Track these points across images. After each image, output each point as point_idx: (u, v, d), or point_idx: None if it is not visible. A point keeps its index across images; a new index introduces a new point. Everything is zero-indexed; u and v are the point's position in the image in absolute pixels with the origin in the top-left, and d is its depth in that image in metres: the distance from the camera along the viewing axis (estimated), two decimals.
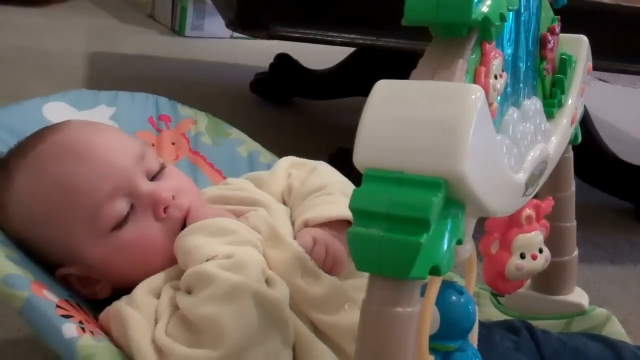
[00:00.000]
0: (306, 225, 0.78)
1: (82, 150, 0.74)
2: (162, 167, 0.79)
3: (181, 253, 0.72)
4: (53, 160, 0.74)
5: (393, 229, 0.43)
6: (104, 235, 0.73)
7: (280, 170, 0.89)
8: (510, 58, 0.56)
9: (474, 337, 0.58)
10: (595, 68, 0.79)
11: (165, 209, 0.75)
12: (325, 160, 0.91)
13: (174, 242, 0.73)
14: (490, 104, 0.48)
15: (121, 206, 0.73)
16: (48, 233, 0.74)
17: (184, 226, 0.75)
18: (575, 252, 0.88)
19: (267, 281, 0.69)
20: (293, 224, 0.80)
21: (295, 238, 0.77)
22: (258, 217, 0.78)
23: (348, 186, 0.84)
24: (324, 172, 0.87)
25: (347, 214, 0.76)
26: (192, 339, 0.65)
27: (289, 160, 0.92)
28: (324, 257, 0.74)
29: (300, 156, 0.93)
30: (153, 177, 0.77)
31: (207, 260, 0.68)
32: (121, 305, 0.70)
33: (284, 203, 0.85)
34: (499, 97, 0.51)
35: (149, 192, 0.74)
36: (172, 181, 0.78)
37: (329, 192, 0.82)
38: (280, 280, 0.70)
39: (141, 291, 0.71)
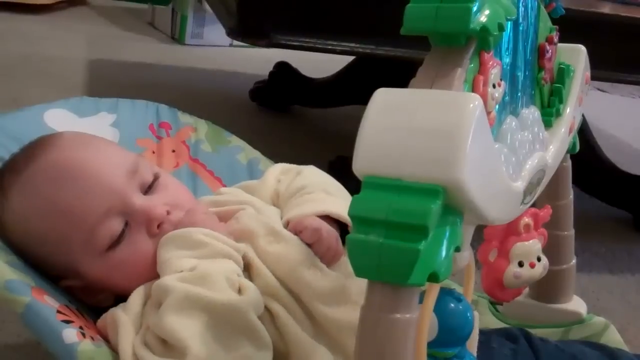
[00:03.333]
0: (288, 224, 0.79)
1: (74, 171, 0.74)
2: (156, 177, 0.78)
3: (157, 266, 0.73)
4: (46, 182, 0.74)
5: (392, 235, 0.43)
6: (99, 255, 0.73)
7: (270, 177, 0.90)
8: (508, 67, 0.56)
9: (473, 344, 0.59)
10: (593, 78, 0.80)
11: (159, 225, 0.75)
12: (324, 168, 0.91)
13: None
14: (488, 113, 0.49)
15: (116, 225, 0.73)
16: (46, 252, 0.74)
17: None
18: (574, 261, 0.88)
19: (240, 289, 0.69)
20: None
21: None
22: (249, 216, 0.78)
23: (332, 186, 0.86)
24: (308, 174, 0.88)
25: (326, 209, 0.78)
26: (164, 349, 0.65)
27: (279, 168, 0.93)
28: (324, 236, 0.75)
29: (299, 164, 0.93)
30: (148, 189, 0.77)
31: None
32: (117, 312, 0.71)
33: (275, 206, 0.86)
34: (497, 106, 0.52)
35: (143, 209, 0.74)
36: (167, 194, 0.78)
37: (309, 191, 0.83)
38: (253, 287, 0.69)
39: (135, 298, 0.71)
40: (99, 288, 0.76)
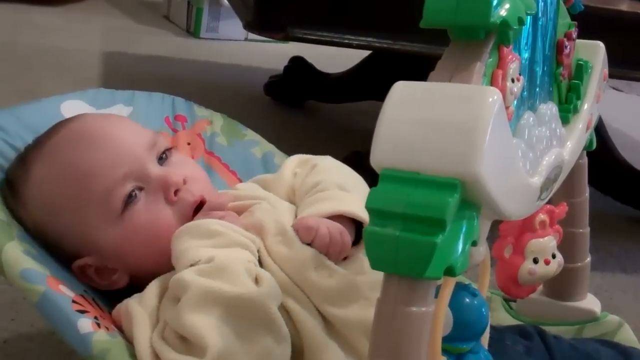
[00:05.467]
0: None
1: (95, 137, 0.75)
2: (170, 148, 0.80)
3: (172, 256, 0.72)
4: (66, 148, 0.76)
5: (409, 228, 0.43)
6: (116, 219, 0.74)
7: (287, 170, 0.89)
8: (527, 62, 0.56)
9: (483, 341, 0.58)
10: (610, 75, 0.79)
11: (176, 192, 0.76)
12: None
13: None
14: (506, 107, 0.48)
15: (131, 188, 0.74)
16: (63, 221, 0.75)
17: (195, 211, 0.76)
18: (588, 259, 0.88)
19: (257, 279, 0.68)
20: None
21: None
22: (263, 210, 0.78)
23: (349, 179, 0.84)
24: (323, 168, 0.86)
25: (338, 208, 0.76)
26: (183, 346, 0.65)
27: (295, 160, 0.91)
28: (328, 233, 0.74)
29: None
30: (164, 162, 0.78)
31: (191, 265, 0.69)
32: (132, 303, 0.71)
33: (291, 202, 0.85)
34: (515, 101, 0.51)
35: (160, 175, 0.75)
36: (184, 168, 0.79)
37: (323, 188, 0.81)
38: (270, 277, 0.69)
39: (152, 290, 0.71)
40: (114, 264, 0.76)
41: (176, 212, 0.75)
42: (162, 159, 0.78)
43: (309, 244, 0.73)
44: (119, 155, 0.75)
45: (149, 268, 0.73)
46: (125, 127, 0.79)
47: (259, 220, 0.77)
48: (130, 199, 0.74)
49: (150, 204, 0.75)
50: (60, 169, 0.75)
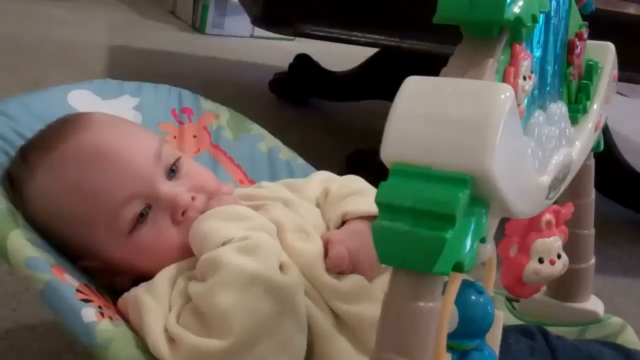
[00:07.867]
0: (344, 218, 0.79)
1: (104, 155, 0.74)
2: (179, 162, 0.79)
3: (196, 239, 0.72)
4: (75, 164, 0.74)
5: (418, 223, 0.43)
6: (122, 238, 0.74)
7: (316, 179, 0.90)
8: (538, 61, 0.56)
9: (496, 343, 0.58)
10: (617, 79, 0.79)
11: (183, 213, 0.75)
12: (342, 161, 0.91)
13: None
14: (517, 105, 0.48)
15: (138, 208, 0.74)
16: (68, 232, 0.75)
17: None
18: (593, 260, 0.88)
19: (281, 266, 0.68)
20: (327, 226, 0.81)
21: (328, 229, 0.78)
22: (278, 209, 0.78)
23: None
24: (361, 181, 0.86)
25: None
26: (204, 329, 0.65)
27: (325, 174, 0.92)
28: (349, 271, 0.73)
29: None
30: (172, 173, 0.77)
31: (223, 243, 0.68)
32: (140, 292, 0.70)
33: (317, 207, 0.85)
34: (526, 99, 0.51)
35: (169, 195, 0.75)
36: (192, 178, 0.78)
37: (367, 194, 0.82)
38: (295, 266, 0.69)
39: (161, 279, 0.71)
40: (118, 270, 0.76)
41: (181, 231, 0.75)
42: (173, 170, 0.78)
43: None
44: (129, 174, 0.74)
45: (153, 274, 0.73)
46: (134, 141, 0.78)
47: (276, 217, 0.77)
48: (138, 220, 0.74)
49: (157, 224, 0.74)
50: (67, 185, 0.74)
